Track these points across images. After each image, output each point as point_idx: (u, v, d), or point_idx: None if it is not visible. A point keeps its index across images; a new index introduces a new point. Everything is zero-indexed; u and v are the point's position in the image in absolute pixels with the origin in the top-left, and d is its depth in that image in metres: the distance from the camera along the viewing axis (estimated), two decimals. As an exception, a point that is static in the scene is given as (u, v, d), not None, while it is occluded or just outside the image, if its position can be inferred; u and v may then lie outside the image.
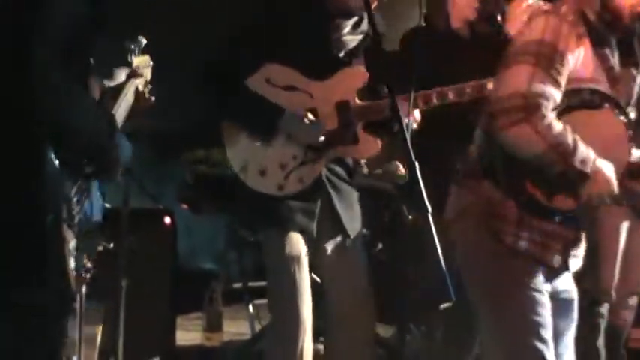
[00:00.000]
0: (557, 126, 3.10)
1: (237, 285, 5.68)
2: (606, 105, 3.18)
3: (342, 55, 3.76)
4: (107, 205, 3.01)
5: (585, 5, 3.19)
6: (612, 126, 3.21)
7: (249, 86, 3.65)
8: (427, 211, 2.64)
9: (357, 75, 3.74)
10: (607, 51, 3.22)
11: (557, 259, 3.26)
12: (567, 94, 3.14)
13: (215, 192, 5.06)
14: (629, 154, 3.21)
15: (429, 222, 2.64)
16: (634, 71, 3.33)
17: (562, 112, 3.13)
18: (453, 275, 2.67)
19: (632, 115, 3.36)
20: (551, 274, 3.29)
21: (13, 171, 2.57)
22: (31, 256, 2.57)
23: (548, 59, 3.08)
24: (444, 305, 2.64)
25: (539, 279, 3.25)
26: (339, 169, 3.84)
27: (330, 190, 3.78)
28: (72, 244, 2.64)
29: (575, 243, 3.30)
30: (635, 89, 3.33)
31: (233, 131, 3.72)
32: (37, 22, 2.58)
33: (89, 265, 2.80)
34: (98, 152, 2.71)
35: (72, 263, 2.64)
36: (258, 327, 5.32)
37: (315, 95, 3.66)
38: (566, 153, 3.08)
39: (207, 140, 5.17)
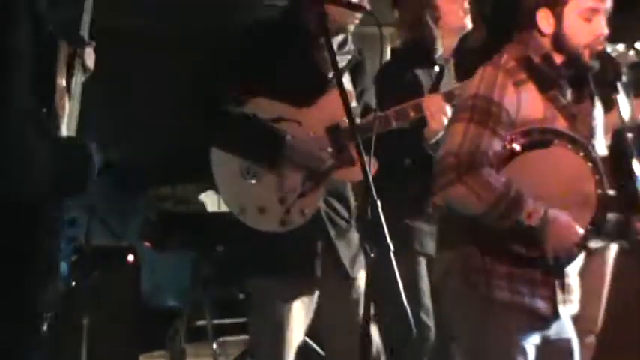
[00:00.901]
0: (497, 182, 3.11)
1: (201, 322, 5.62)
2: (556, 142, 3.19)
3: (329, 75, 3.74)
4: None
5: (530, 51, 3.23)
6: (569, 161, 3.21)
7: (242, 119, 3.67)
8: (389, 249, 2.66)
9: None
10: (556, 91, 3.24)
11: (544, 307, 3.25)
12: (516, 137, 3.15)
13: (180, 229, 5.11)
14: (599, 185, 3.22)
15: (391, 259, 2.65)
16: (588, 105, 3.35)
17: (511, 156, 3.15)
18: (413, 311, 2.68)
19: (602, 146, 3.38)
20: (541, 323, 3.27)
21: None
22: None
23: (482, 111, 3.12)
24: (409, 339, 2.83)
25: (524, 329, 3.23)
26: (339, 206, 3.80)
27: (328, 225, 3.69)
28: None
29: (565, 288, 3.28)
30: (594, 123, 3.35)
31: (225, 174, 3.68)
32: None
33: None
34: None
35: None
36: None
37: (304, 122, 3.62)
38: (508, 209, 3.09)
39: (173, 176, 5.25)
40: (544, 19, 3.20)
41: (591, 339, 4.38)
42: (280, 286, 3.55)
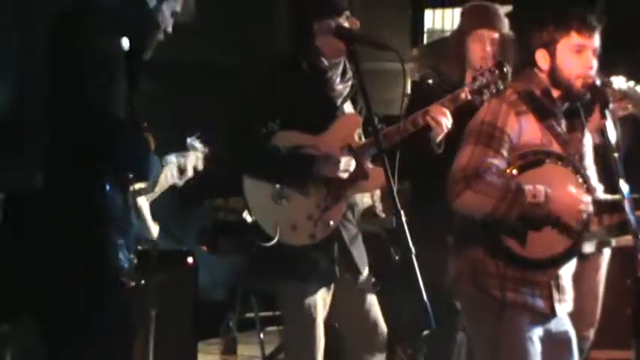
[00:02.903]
0: (498, 180, 3.28)
1: (250, 315, 5.87)
2: (548, 160, 3.35)
3: (338, 103, 3.82)
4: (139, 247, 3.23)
5: (533, 85, 3.43)
6: (560, 175, 3.36)
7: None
8: (411, 253, 2.90)
9: (352, 121, 3.87)
10: (553, 121, 3.41)
11: (543, 306, 3.39)
12: (514, 160, 3.35)
13: (231, 236, 5.32)
14: (587, 193, 3.37)
15: (412, 262, 2.90)
16: (580, 134, 3.53)
17: (512, 177, 3.33)
18: (433, 307, 2.89)
19: (592, 170, 3.55)
20: (542, 320, 3.40)
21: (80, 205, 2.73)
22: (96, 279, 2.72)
23: (487, 135, 3.33)
24: (425, 332, 2.85)
25: (530, 326, 3.36)
26: (349, 214, 3.90)
27: (343, 232, 3.82)
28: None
29: (560, 289, 3.42)
30: (584, 150, 3.52)
31: (257, 200, 3.75)
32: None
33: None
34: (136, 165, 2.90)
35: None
36: (267, 350, 5.56)
37: (320, 147, 3.75)
38: (514, 197, 3.24)
39: (226, 191, 5.33)
40: (542, 58, 3.42)
41: (591, 331, 4.68)
42: (308, 289, 3.71)
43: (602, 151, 3.58)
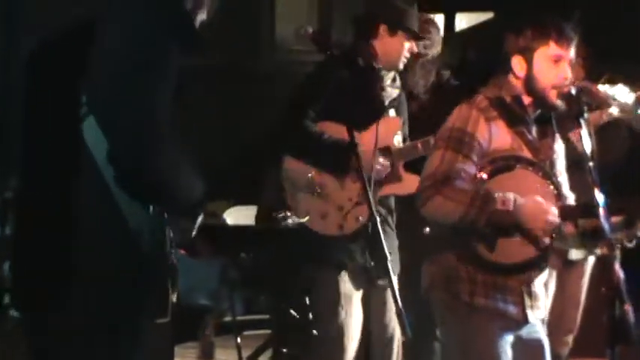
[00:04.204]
0: (468, 186, 3.32)
1: (228, 319, 5.87)
2: (518, 165, 3.39)
3: (386, 104, 4.06)
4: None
5: (503, 92, 3.47)
6: (531, 180, 3.40)
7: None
8: (386, 259, 2.99)
9: (394, 123, 4.09)
10: (523, 127, 3.45)
11: (514, 312, 3.42)
12: (485, 166, 3.39)
13: (210, 240, 5.01)
14: (558, 198, 3.41)
15: (387, 268, 2.98)
16: (550, 141, 3.57)
17: (482, 183, 3.39)
18: (410, 314, 2.98)
19: (563, 176, 3.61)
20: (513, 326, 3.44)
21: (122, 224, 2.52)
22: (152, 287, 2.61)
23: (457, 141, 3.36)
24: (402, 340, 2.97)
25: (501, 332, 3.39)
26: (387, 216, 4.08)
27: (382, 235, 4.04)
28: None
29: (532, 295, 3.46)
30: (554, 156, 3.57)
31: (294, 187, 3.98)
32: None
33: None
34: (191, 207, 2.69)
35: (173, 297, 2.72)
36: (245, 354, 5.44)
37: (361, 143, 3.78)
38: (483, 204, 3.27)
39: (210, 193, 5.53)
40: (518, 64, 3.45)
41: (570, 337, 4.84)
42: (343, 277, 3.86)
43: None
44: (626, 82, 4.33)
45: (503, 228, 3.33)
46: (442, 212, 3.33)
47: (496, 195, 3.28)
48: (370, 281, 3.96)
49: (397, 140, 4.12)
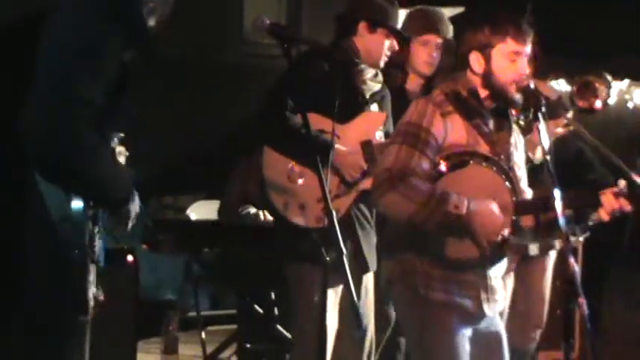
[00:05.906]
0: (424, 185, 3.29)
1: (192, 314, 5.85)
2: (472, 161, 3.38)
3: (367, 97, 4.04)
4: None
5: (459, 86, 3.46)
6: (485, 176, 3.39)
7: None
8: (342, 253, 2.93)
9: (377, 118, 4.07)
10: (479, 120, 3.44)
11: (471, 305, 3.43)
12: (439, 162, 3.37)
13: (172, 234, 5.27)
14: (512, 194, 3.42)
15: (343, 262, 2.93)
16: (507, 134, 3.56)
17: (438, 177, 3.37)
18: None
19: (522, 169, 3.60)
20: (471, 319, 3.45)
21: (44, 213, 2.50)
22: (56, 285, 2.54)
23: (413, 136, 3.35)
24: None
25: (458, 326, 3.40)
26: (366, 212, 4.03)
27: (358, 228, 3.96)
28: (92, 276, 2.66)
29: (488, 289, 3.47)
30: (511, 149, 3.55)
31: (273, 175, 3.92)
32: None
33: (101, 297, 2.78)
34: (115, 204, 2.64)
35: (90, 294, 2.64)
36: (209, 350, 5.51)
37: (342, 136, 3.89)
38: (437, 205, 3.24)
39: (177, 187, 5.45)
40: (475, 61, 3.45)
41: (537, 333, 4.84)
42: (320, 277, 3.74)
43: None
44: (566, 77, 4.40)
45: (452, 229, 3.32)
46: (395, 209, 3.32)
47: (451, 198, 3.27)
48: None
49: (379, 135, 4.09)
